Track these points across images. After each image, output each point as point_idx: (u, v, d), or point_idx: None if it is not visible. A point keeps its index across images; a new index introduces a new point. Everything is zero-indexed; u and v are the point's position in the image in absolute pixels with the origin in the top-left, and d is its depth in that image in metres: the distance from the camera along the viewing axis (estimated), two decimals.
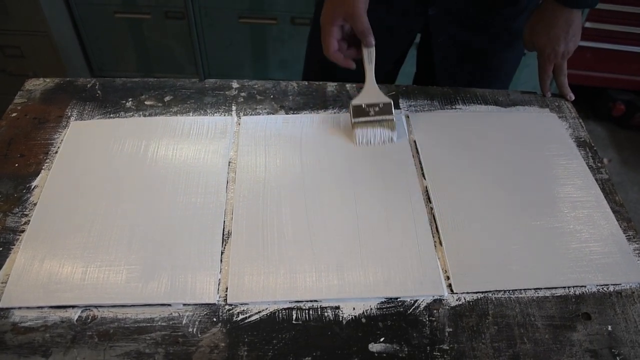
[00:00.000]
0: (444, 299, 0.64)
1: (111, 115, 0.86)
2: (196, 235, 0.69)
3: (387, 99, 0.82)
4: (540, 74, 0.94)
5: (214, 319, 0.61)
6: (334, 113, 0.88)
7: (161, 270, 0.65)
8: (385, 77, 1.06)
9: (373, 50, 0.81)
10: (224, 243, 0.69)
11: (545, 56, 0.91)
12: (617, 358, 0.59)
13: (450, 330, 0.61)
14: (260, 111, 0.88)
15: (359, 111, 0.81)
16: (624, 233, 0.72)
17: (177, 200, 0.73)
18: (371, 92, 0.82)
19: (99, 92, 0.91)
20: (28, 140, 0.81)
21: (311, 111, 0.88)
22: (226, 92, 0.92)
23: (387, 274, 0.66)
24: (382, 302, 0.64)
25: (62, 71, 1.93)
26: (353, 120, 0.81)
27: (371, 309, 0.63)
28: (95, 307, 0.62)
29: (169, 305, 0.62)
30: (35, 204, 0.72)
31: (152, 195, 0.74)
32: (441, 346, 0.60)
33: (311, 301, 0.63)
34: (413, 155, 0.82)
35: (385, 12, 0.96)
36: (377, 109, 0.82)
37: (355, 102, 0.82)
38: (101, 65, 2.15)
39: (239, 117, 0.87)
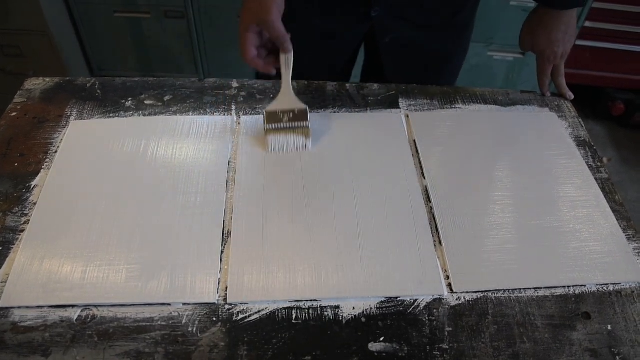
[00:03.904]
0: (443, 299, 0.64)
1: (111, 115, 0.86)
2: (196, 235, 0.69)
3: (302, 106, 0.80)
4: (539, 76, 0.95)
5: (214, 319, 0.61)
6: (334, 112, 0.88)
7: (161, 270, 0.65)
8: (338, 77, 1.07)
9: (291, 56, 0.79)
10: (224, 242, 0.69)
11: (545, 58, 0.92)
12: (617, 357, 0.59)
13: (450, 329, 0.61)
14: (260, 111, 0.88)
15: (273, 117, 0.80)
16: (624, 232, 0.72)
17: (177, 200, 0.73)
18: (286, 99, 0.81)
19: (98, 91, 0.91)
20: (28, 140, 0.81)
21: (311, 110, 0.88)
22: (226, 92, 0.92)
23: (387, 273, 0.66)
24: (381, 302, 0.64)
25: (61, 70, 1.93)
26: (266, 127, 0.80)
27: (371, 308, 0.63)
28: (95, 306, 0.62)
29: (169, 304, 0.62)
30: (35, 204, 0.72)
31: (152, 195, 0.74)
32: (441, 345, 0.60)
33: (311, 300, 0.63)
34: (413, 155, 0.82)
35: (330, 19, 0.95)
36: (291, 115, 0.80)
37: (269, 108, 0.80)
38: (101, 64, 2.14)
39: (238, 116, 0.87)
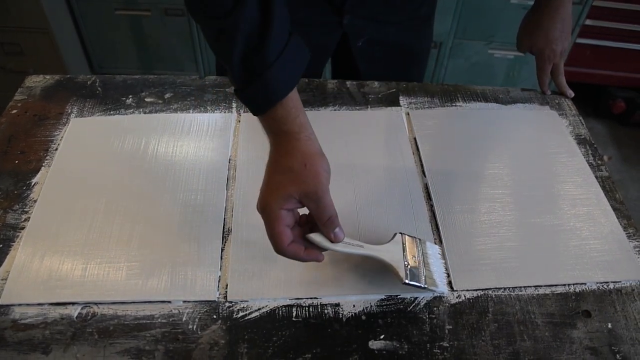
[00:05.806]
0: (443, 297, 0.64)
1: (111, 112, 0.86)
2: (196, 232, 0.69)
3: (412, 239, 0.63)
4: (539, 75, 0.95)
5: (214, 316, 0.61)
6: (335, 110, 0.88)
7: (161, 267, 0.65)
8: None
9: (346, 239, 0.59)
10: (224, 240, 0.69)
11: (544, 57, 0.92)
12: (617, 355, 0.59)
13: (450, 327, 0.61)
14: None
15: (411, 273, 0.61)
16: (624, 231, 0.72)
17: (177, 197, 0.73)
18: (392, 250, 0.62)
19: (99, 89, 0.91)
20: (28, 137, 0.81)
21: (311, 108, 0.88)
22: (226, 89, 0.92)
23: (387, 271, 0.66)
24: (382, 300, 0.64)
25: (62, 68, 1.93)
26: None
27: (371, 306, 0.63)
28: (95, 304, 0.62)
29: (169, 302, 0.62)
30: (35, 201, 0.72)
31: (152, 193, 0.74)
32: (441, 343, 0.60)
33: (311, 298, 0.63)
34: (413, 153, 0.82)
35: (306, 33, 0.94)
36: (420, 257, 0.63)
37: (406, 278, 0.60)
38: (101, 62, 2.14)
39: (239, 114, 0.87)
